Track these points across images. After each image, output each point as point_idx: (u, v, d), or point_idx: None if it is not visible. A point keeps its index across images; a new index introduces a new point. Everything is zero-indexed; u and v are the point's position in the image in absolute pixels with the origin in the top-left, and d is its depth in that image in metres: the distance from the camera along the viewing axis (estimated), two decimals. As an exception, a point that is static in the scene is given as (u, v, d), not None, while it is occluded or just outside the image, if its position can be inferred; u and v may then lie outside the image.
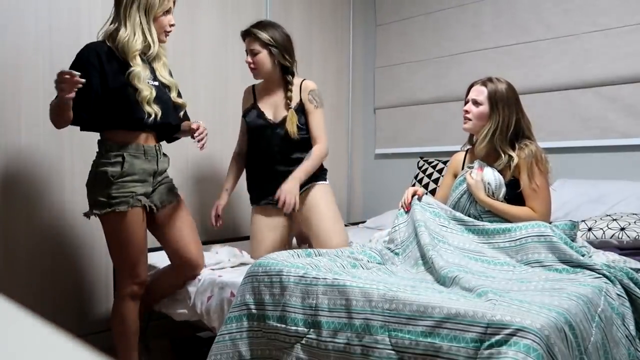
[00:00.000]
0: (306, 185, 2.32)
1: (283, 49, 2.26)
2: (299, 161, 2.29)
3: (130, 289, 1.92)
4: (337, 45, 3.75)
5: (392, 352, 1.31)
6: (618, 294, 1.53)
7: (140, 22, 1.84)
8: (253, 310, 1.63)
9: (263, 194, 2.37)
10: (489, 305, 1.23)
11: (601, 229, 2.13)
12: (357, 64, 3.91)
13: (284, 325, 1.54)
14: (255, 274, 1.65)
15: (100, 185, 1.84)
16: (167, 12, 1.90)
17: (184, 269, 2.04)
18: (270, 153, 2.34)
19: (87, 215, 1.90)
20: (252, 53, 2.28)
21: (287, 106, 2.29)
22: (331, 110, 3.72)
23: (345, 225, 3.50)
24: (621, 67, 2.77)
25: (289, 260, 1.67)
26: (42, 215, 2.29)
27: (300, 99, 2.30)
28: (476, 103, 1.98)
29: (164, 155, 2.02)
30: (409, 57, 3.69)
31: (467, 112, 2.00)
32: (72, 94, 1.64)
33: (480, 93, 1.98)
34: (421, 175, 3.34)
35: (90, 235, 2.43)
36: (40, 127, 2.27)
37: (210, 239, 2.83)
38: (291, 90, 2.30)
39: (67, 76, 1.59)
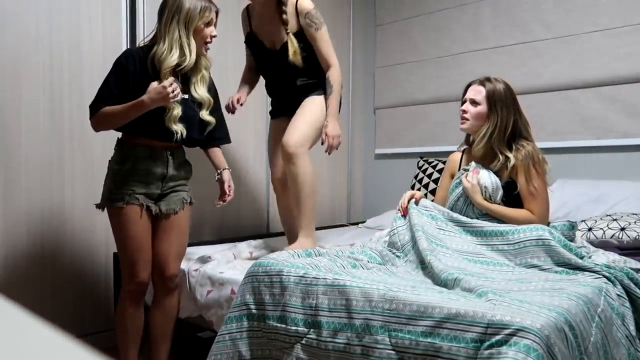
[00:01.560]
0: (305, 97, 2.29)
1: None
2: (304, 87, 2.27)
3: (129, 288, 1.92)
4: (337, 45, 3.73)
5: (392, 352, 1.31)
6: (618, 295, 1.53)
7: (180, 37, 1.85)
8: (253, 310, 1.62)
9: (277, 110, 2.47)
10: (489, 306, 1.23)
11: (601, 229, 2.13)
12: (357, 64, 3.91)
13: (284, 325, 1.54)
14: (256, 274, 1.65)
15: (107, 181, 1.91)
16: (208, 24, 1.90)
17: (157, 277, 2.00)
18: (275, 80, 2.36)
19: (97, 206, 1.96)
20: None
21: (285, 32, 2.19)
22: (331, 110, 3.72)
23: (345, 226, 3.52)
24: (621, 67, 2.77)
25: (289, 260, 1.67)
26: (42, 215, 2.29)
27: (299, 23, 2.20)
28: (474, 103, 1.97)
29: (185, 162, 2.01)
30: (409, 57, 3.69)
31: (464, 111, 1.99)
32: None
33: (478, 93, 1.97)
34: (421, 175, 3.34)
35: (91, 235, 2.43)
36: (41, 126, 2.27)
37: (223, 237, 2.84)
38: (285, 13, 2.18)
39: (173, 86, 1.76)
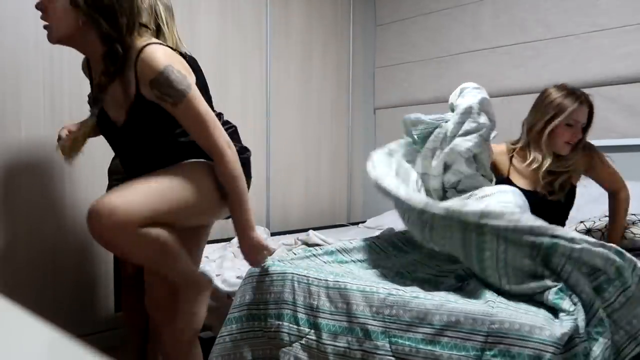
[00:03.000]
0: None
1: (98, 5, 1.29)
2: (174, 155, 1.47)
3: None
4: (337, 45, 3.75)
5: (392, 358, 1.31)
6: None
7: None
8: (253, 310, 1.62)
9: None
10: (488, 310, 1.23)
11: (599, 230, 2.12)
12: (357, 64, 3.92)
13: (286, 324, 1.54)
14: (256, 274, 1.65)
15: None
16: None
17: None
18: (128, 159, 1.54)
19: None
20: None
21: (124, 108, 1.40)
22: (331, 110, 3.72)
23: (345, 226, 3.52)
24: (621, 67, 2.77)
25: (290, 262, 1.67)
26: (42, 214, 2.29)
27: (137, 89, 1.35)
28: (583, 128, 1.90)
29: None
30: (409, 57, 3.69)
31: (576, 135, 1.87)
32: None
33: (584, 116, 1.88)
34: (421, 175, 3.34)
35: (91, 235, 2.43)
36: (41, 126, 2.27)
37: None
38: (109, 75, 1.35)
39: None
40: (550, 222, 1.85)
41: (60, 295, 2.34)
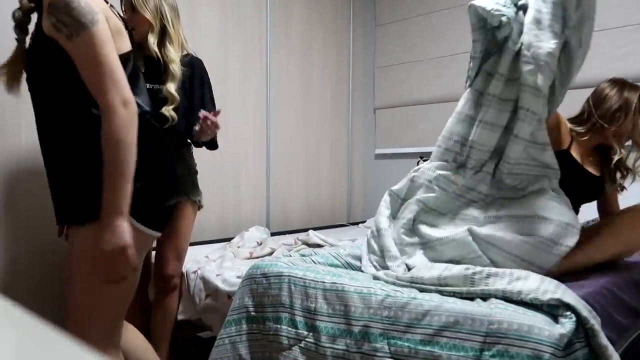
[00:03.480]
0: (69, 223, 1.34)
1: None
2: (66, 191, 1.34)
3: None
4: (337, 45, 3.75)
5: None
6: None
7: None
8: (252, 313, 1.62)
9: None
10: (487, 311, 1.22)
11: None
12: (357, 64, 3.92)
13: (284, 327, 1.54)
14: (254, 277, 1.65)
15: None
16: None
17: (157, 276, 2.04)
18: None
19: None
20: None
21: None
22: (331, 111, 3.72)
23: (345, 226, 3.53)
24: (621, 67, 2.77)
25: (287, 263, 1.67)
26: (42, 215, 2.28)
27: (38, 21, 1.20)
28: None
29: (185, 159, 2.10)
30: (409, 57, 3.69)
31: None
32: None
33: None
34: (421, 175, 3.34)
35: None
36: (40, 127, 2.27)
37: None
38: (20, 15, 1.24)
39: None
40: (589, 197, 1.92)
41: (60, 295, 2.34)
